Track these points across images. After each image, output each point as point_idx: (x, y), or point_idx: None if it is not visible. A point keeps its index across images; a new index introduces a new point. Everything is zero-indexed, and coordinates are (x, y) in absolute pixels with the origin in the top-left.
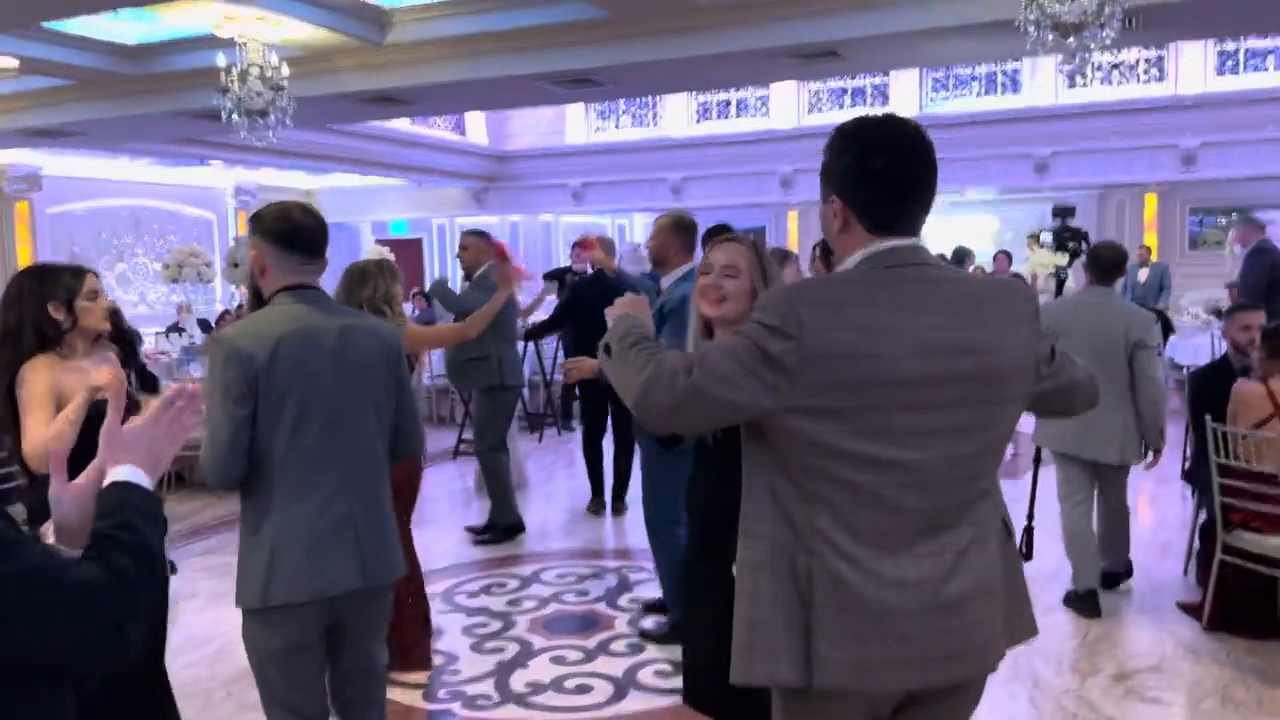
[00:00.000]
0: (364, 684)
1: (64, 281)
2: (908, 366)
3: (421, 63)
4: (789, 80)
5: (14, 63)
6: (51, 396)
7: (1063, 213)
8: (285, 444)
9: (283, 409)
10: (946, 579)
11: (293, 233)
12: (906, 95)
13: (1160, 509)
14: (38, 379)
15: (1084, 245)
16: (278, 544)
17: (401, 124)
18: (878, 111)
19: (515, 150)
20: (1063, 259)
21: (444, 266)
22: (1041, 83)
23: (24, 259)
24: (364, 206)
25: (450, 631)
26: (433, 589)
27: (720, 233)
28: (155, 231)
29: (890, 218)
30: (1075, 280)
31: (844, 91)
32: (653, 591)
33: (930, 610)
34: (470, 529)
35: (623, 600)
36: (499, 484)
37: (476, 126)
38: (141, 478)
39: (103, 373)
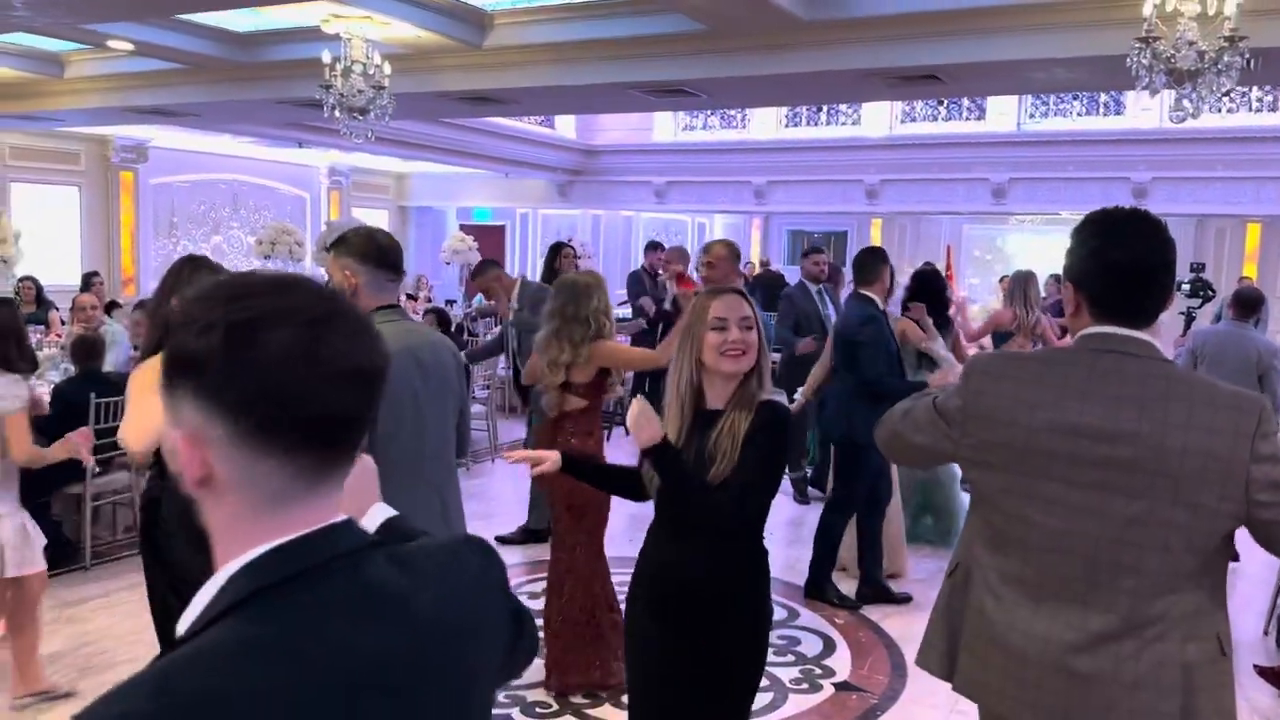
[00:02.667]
0: None
1: (190, 277)
2: (1047, 441)
3: (518, 66)
4: (886, 100)
5: (128, 46)
6: (154, 388)
7: (1198, 268)
8: (388, 449)
9: (390, 418)
10: (1078, 651)
11: (382, 254)
12: (1005, 111)
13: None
14: (144, 374)
15: (1210, 292)
16: None
17: (494, 116)
18: (1121, 207)
19: (602, 145)
20: (1195, 302)
21: (524, 256)
22: (1146, 105)
23: (126, 227)
24: (451, 192)
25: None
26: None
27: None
28: (251, 207)
29: (1116, 307)
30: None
31: (939, 103)
32: None
33: (1054, 670)
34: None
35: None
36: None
37: (565, 120)
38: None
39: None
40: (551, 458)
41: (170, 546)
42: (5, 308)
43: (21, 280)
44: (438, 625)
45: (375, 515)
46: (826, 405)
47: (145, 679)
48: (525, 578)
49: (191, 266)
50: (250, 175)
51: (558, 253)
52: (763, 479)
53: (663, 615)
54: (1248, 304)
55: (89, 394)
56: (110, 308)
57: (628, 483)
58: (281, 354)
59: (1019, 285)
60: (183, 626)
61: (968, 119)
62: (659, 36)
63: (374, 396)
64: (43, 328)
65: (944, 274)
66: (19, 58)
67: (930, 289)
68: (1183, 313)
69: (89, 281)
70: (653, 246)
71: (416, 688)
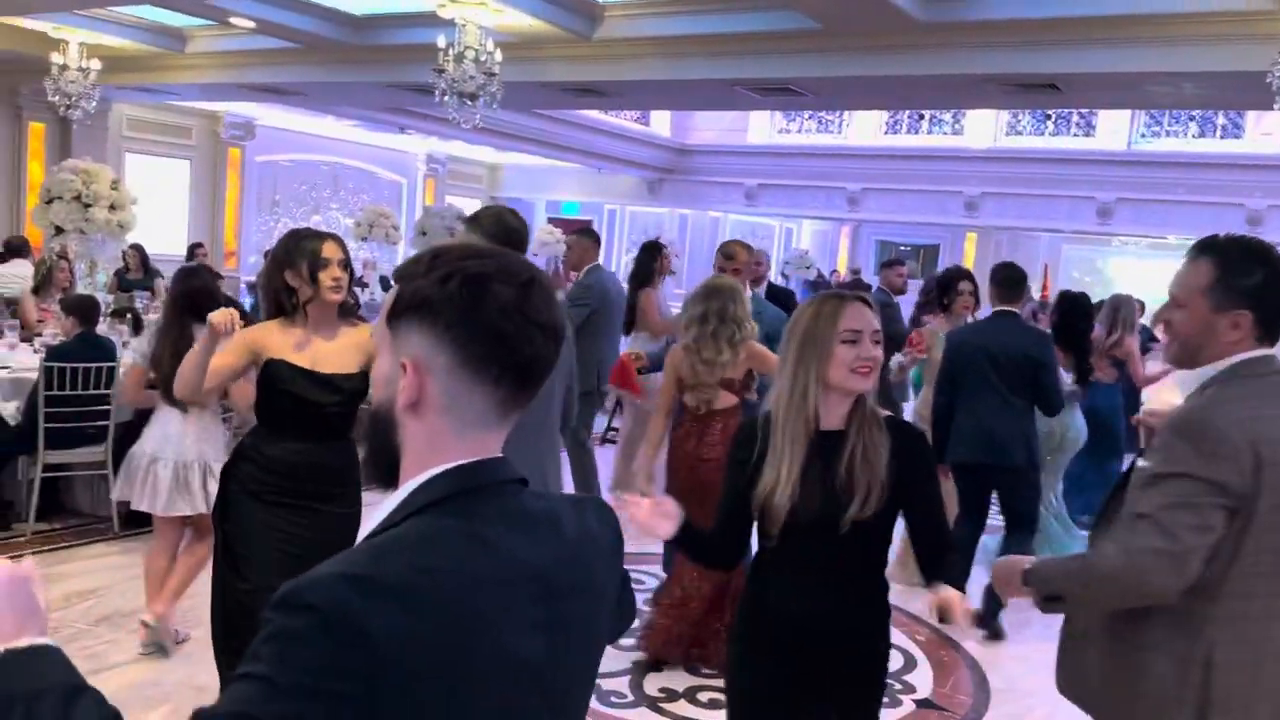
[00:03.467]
0: None
1: (302, 247)
2: None
3: (625, 58)
4: (1000, 108)
5: (250, 24)
6: (242, 351)
7: None
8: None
9: None
10: None
11: (509, 234)
12: (1115, 128)
13: None
14: (245, 332)
15: None
16: None
17: (591, 110)
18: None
19: (695, 144)
20: None
21: (609, 252)
22: (1267, 130)
23: (231, 202)
24: (541, 185)
25: None
26: None
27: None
28: (350, 189)
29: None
30: None
31: (1046, 117)
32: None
33: None
34: None
35: None
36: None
37: (661, 118)
38: None
39: (220, 314)
40: (669, 521)
41: (238, 503)
42: (196, 276)
43: (130, 248)
44: (581, 544)
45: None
46: (994, 432)
47: (359, 552)
48: None
49: (296, 239)
50: (350, 158)
51: (658, 253)
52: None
53: (818, 678)
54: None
55: (80, 355)
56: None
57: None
58: (503, 303)
59: (1112, 308)
60: (371, 525)
61: (1076, 134)
62: (770, 33)
63: (559, 348)
64: (148, 294)
65: (1041, 294)
66: (144, 31)
67: (1078, 314)
68: None
69: (192, 253)
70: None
71: (568, 595)
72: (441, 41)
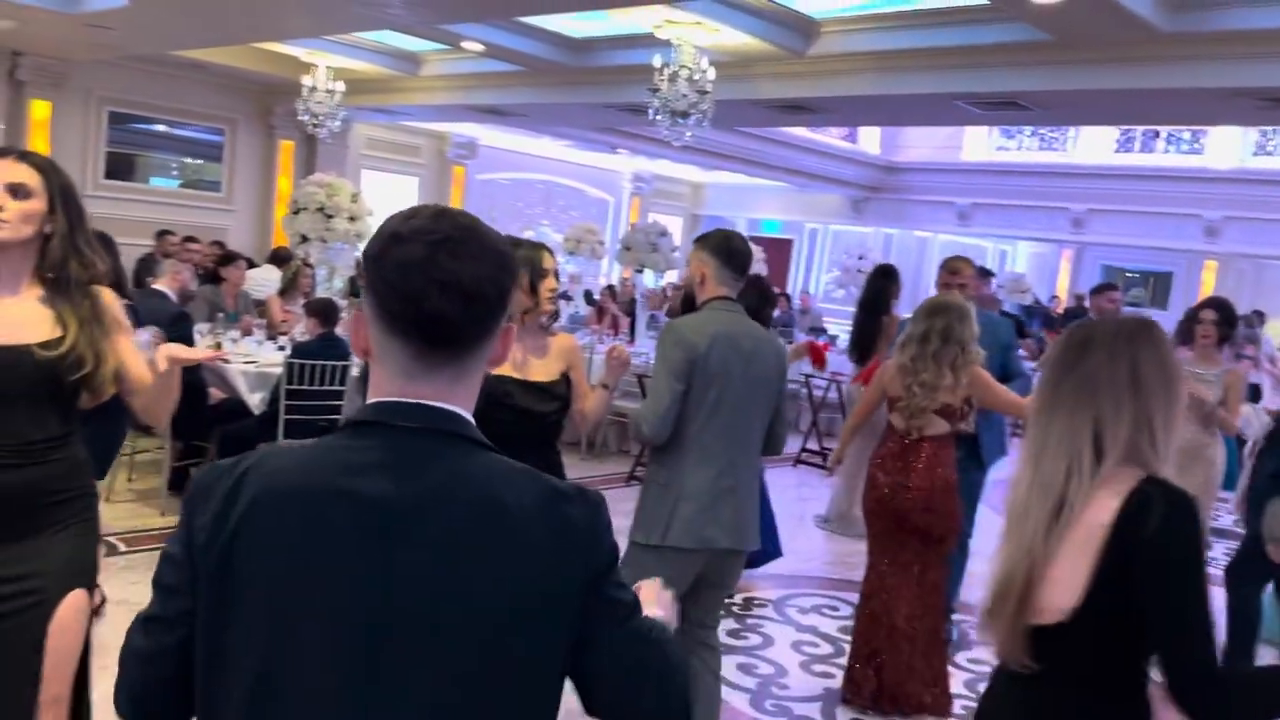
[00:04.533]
0: (704, 635)
1: (521, 256)
2: None
3: (838, 74)
4: (1250, 124)
5: (480, 47)
6: None
7: None
8: (702, 421)
9: (706, 392)
10: None
11: (734, 255)
12: None
13: None
14: None
15: None
16: (681, 497)
17: (797, 128)
18: None
19: (905, 162)
20: None
21: (808, 271)
22: None
23: None
24: (742, 203)
25: (779, 642)
26: (764, 594)
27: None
28: (560, 206)
29: None
30: None
31: None
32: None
33: None
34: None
35: (961, 658)
36: None
37: (869, 135)
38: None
39: None
40: None
41: None
42: None
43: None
44: (467, 506)
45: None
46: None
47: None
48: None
49: (513, 246)
50: (562, 177)
51: (895, 278)
52: None
53: None
54: None
55: (320, 354)
56: None
57: None
58: (406, 260)
59: None
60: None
61: None
62: (993, 46)
63: (471, 309)
64: None
65: None
66: (382, 55)
67: None
68: None
69: None
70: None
71: (413, 544)
72: (657, 61)
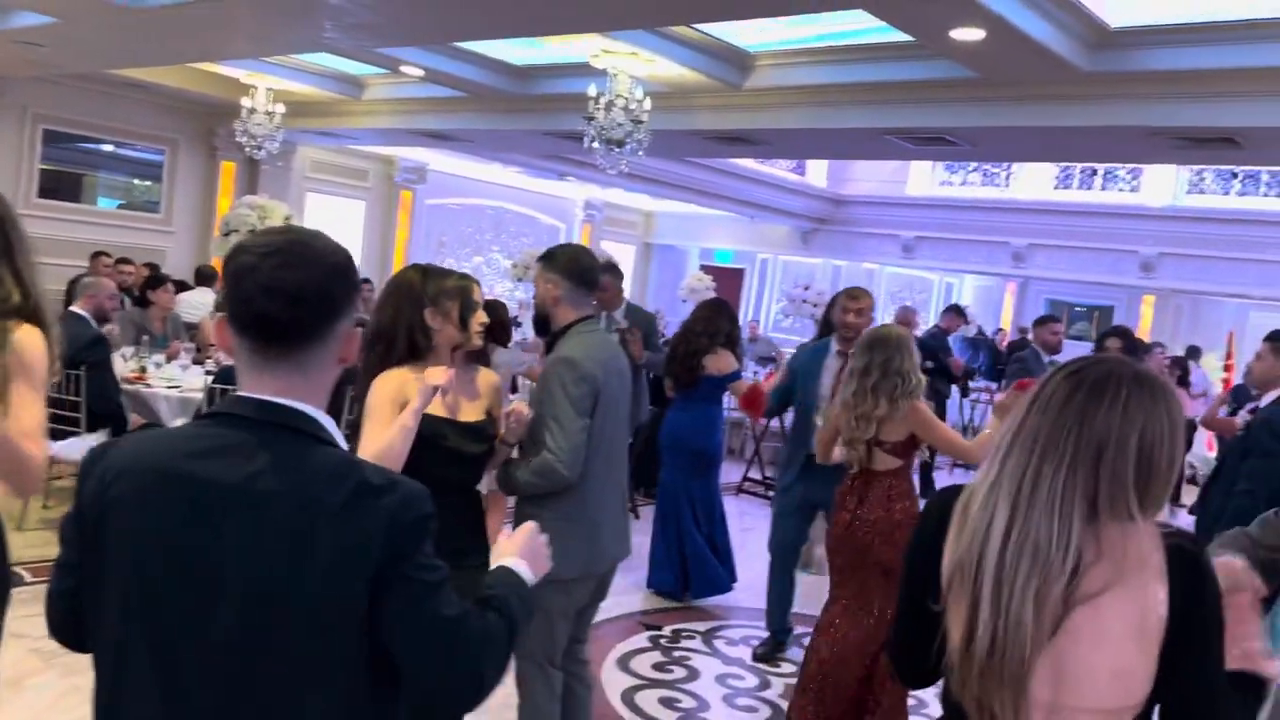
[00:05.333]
0: (577, 650)
1: (448, 288)
2: None
3: (775, 107)
4: (1171, 163)
5: (419, 72)
6: (396, 403)
7: None
8: (594, 446)
9: (602, 419)
10: None
11: (582, 273)
12: None
13: None
14: (387, 385)
15: None
16: (592, 524)
17: (745, 160)
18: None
19: (852, 195)
20: None
21: (759, 300)
22: None
23: (401, 242)
24: (694, 232)
25: (705, 675)
26: (695, 625)
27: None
28: (511, 233)
29: None
30: None
31: (1233, 175)
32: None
33: None
34: None
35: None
36: None
37: (817, 168)
38: (526, 572)
39: (438, 373)
40: None
41: None
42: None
43: None
44: (268, 496)
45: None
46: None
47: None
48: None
49: (439, 276)
50: (513, 203)
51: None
52: None
53: None
54: None
55: None
56: None
57: None
58: (241, 268)
59: None
60: None
61: (1267, 194)
62: (924, 82)
63: (292, 309)
64: None
65: (1225, 363)
66: (325, 78)
67: None
68: None
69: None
70: (954, 310)
71: (207, 516)
72: (592, 90)
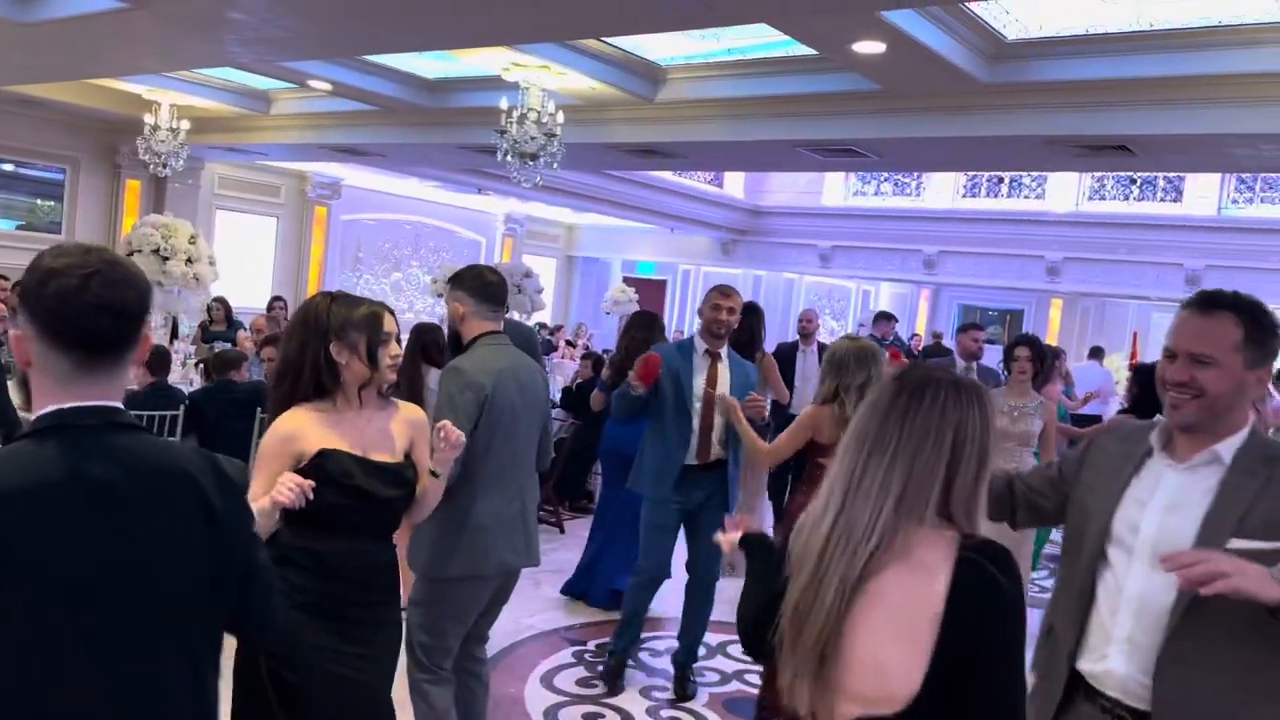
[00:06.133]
0: (476, 650)
1: (355, 318)
2: None
3: (687, 120)
4: (1071, 171)
5: (327, 86)
6: (285, 454)
7: None
8: (490, 453)
9: (494, 426)
10: None
11: (485, 290)
12: (1205, 194)
13: None
14: (280, 429)
15: None
16: (476, 528)
17: (665, 172)
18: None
19: (769, 206)
20: None
21: (682, 311)
22: None
23: (316, 259)
24: (617, 245)
25: (629, 688)
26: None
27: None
28: (431, 248)
29: None
30: None
31: (1132, 181)
32: None
33: None
34: None
35: None
36: None
37: (734, 180)
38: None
39: (284, 488)
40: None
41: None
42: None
43: (214, 300)
44: (140, 481)
45: None
46: None
47: None
48: None
49: (346, 305)
50: (432, 218)
51: (761, 318)
52: None
53: None
54: None
55: (217, 402)
56: None
57: None
58: (62, 292)
59: None
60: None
61: (1163, 200)
62: (831, 95)
63: (122, 324)
64: (231, 345)
65: (1130, 362)
66: (231, 92)
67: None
68: None
69: (271, 306)
70: (885, 316)
71: (121, 513)
72: (504, 104)
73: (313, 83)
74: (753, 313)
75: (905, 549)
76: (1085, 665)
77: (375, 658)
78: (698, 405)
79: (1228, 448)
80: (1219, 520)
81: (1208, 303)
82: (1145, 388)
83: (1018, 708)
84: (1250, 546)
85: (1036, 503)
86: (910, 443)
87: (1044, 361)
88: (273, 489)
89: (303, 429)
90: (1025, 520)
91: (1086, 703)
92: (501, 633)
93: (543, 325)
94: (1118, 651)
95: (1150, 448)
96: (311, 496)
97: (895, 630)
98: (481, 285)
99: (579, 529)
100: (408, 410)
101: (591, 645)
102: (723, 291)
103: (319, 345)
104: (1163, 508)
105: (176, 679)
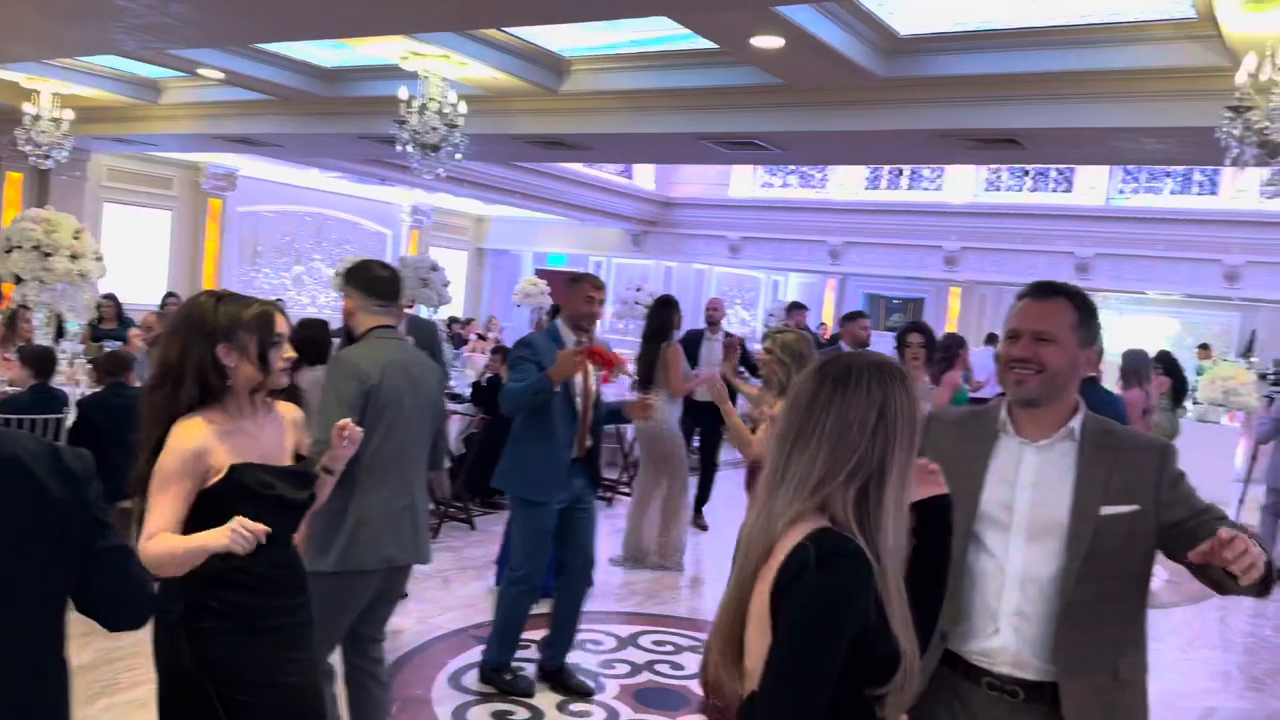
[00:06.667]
0: (372, 650)
1: (246, 319)
2: None
3: (592, 112)
4: (965, 163)
5: (219, 75)
6: (193, 473)
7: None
8: (376, 445)
9: (380, 418)
10: None
11: (372, 284)
12: (1094, 185)
13: None
14: (185, 442)
15: None
16: (360, 521)
17: (573, 164)
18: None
19: (679, 198)
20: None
21: None
22: (1242, 186)
23: (211, 253)
24: (527, 237)
25: (539, 684)
26: (528, 634)
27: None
28: (334, 240)
29: None
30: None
31: (1025, 172)
32: None
33: None
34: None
35: None
36: None
37: (644, 172)
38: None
39: (222, 534)
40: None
41: (228, 644)
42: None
43: (104, 298)
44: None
45: None
46: None
47: None
48: None
49: (233, 305)
50: (334, 209)
51: (676, 307)
52: None
53: None
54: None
55: (109, 409)
56: None
57: None
58: None
59: (1132, 366)
60: None
61: (1055, 190)
62: (733, 88)
63: None
64: (121, 344)
65: None
66: (117, 81)
67: None
68: (1266, 395)
69: (164, 303)
70: (798, 306)
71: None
72: (404, 94)
73: (204, 71)
74: (667, 304)
75: (788, 533)
76: (971, 646)
77: (310, 658)
78: (578, 400)
79: (1078, 425)
80: (1088, 491)
81: (1045, 290)
82: None
83: (788, 698)
84: (1118, 511)
85: None
86: (835, 430)
87: (934, 348)
88: (210, 534)
89: (208, 443)
90: None
91: (967, 682)
92: (409, 633)
93: (454, 319)
94: (1007, 627)
95: (998, 430)
96: (264, 541)
97: (756, 612)
98: (369, 280)
99: (490, 524)
100: (286, 409)
101: None
102: (595, 284)
103: (204, 348)
104: (1031, 484)
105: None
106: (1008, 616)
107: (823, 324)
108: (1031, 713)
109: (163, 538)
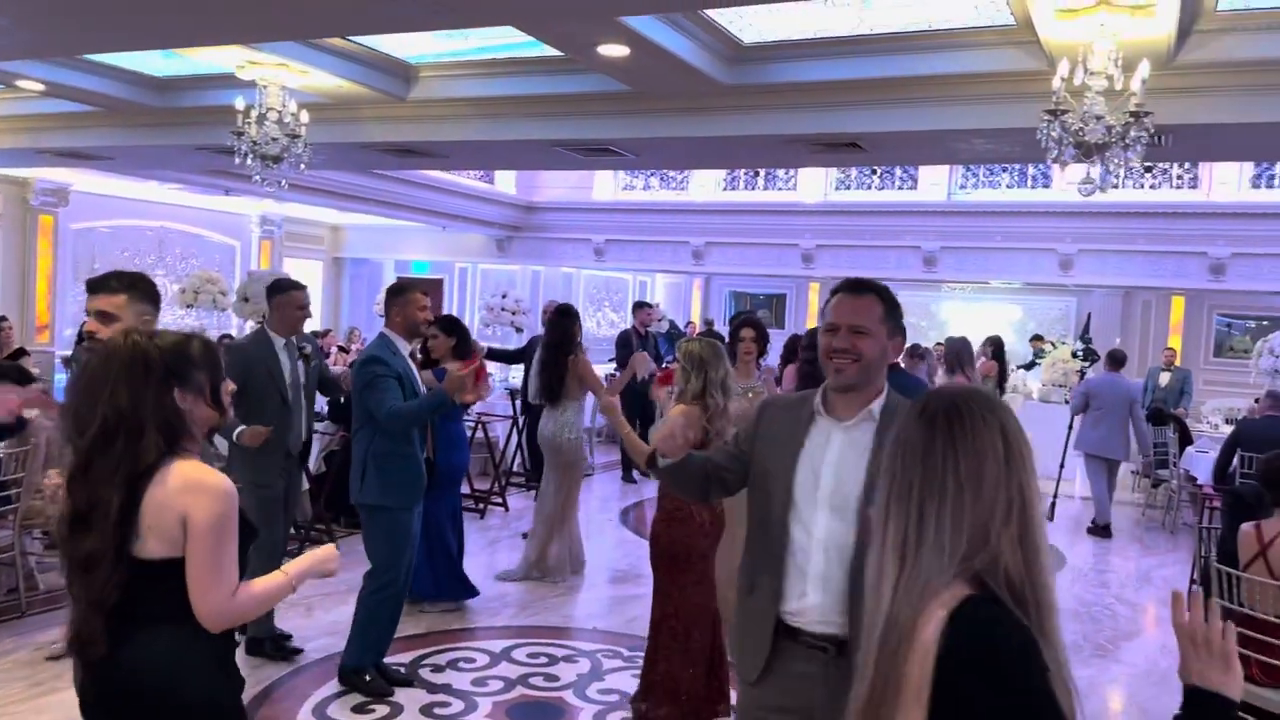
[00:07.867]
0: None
1: (194, 355)
2: None
3: (444, 119)
4: (810, 166)
5: (39, 87)
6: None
7: (1087, 340)
8: None
9: None
10: None
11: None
12: (936, 181)
13: (1166, 631)
14: (221, 486)
15: (1095, 356)
16: None
17: (433, 170)
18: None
19: (542, 202)
20: (1086, 363)
21: (461, 309)
22: (1071, 179)
23: (43, 272)
24: (388, 245)
25: (409, 709)
26: (399, 657)
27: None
28: (178, 255)
29: None
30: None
31: (872, 172)
32: (628, 683)
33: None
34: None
35: (592, 690)
36: None
37: (505, 176)
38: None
39: (326, 556)
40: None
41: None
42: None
43: None
44: None
45: None
46: None
47: None
48: None
49: (181, 344)
50: (177, 222)
51: (575, 319)
52: None
53: None
54: (1118, 360)
55: None
56: (18, 354)
57: None
58: None
59: (954, 352)
60: None
61: (901, 188)
62: (583, 95)
63: None
64: None
65: None
66: None
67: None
68: (1078, 371)
69: None
70: (640, 306)
71: None
72: (240, 104)
73: (22, 83)
74: (566, 314)
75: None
76: (788, 606)
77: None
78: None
79: (878, 406)
80: (877, 466)
81: (857, 287)
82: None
83: None
84: None
85: (723, 477)
86: (971, 469)
87: (768, 341)
88: (305, 564)
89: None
90: (717, 493)
91: (789, 640)
92: (271, 663)
93: (314, 332)
94: (814, 588)
95: (813, 411)
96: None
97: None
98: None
99: (355, 544)
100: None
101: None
102: (425, 292)
103: (159, 392)
104: (835, 461)
105: None
106: (815, 578)
107: (690, 322)
108: (842, 667)
109: (250, 585)
